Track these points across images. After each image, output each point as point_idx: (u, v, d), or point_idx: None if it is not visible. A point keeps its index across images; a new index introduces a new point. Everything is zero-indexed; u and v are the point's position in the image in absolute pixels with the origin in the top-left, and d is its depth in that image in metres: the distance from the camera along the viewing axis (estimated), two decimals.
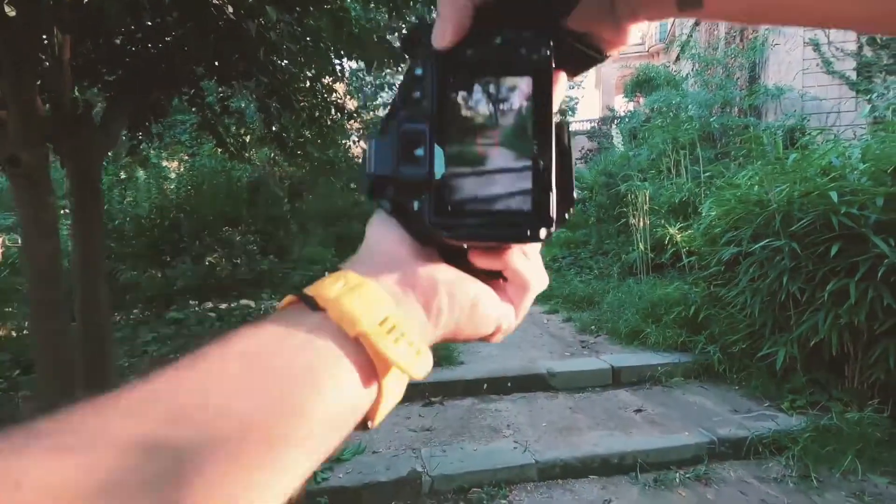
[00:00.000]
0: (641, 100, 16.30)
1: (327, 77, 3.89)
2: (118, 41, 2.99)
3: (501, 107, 0.27)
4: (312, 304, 0.25)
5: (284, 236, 6.68)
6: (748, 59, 10.95)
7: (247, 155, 4.30)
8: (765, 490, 2.42)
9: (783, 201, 3.40)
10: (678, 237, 5.72)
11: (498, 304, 0.31)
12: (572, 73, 0.31)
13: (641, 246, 6.27)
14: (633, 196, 6.42)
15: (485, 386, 3.53)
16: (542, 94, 0.27)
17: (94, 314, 2.54)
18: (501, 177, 0.27)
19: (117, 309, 5.40)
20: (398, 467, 2.44)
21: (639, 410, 3.20)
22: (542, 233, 0.27)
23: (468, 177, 0.27)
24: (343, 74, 4.13)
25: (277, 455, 0.21)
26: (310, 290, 0.26)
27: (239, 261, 5.76)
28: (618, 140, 15.36)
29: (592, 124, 24.77)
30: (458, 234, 0.28)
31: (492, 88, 0.27)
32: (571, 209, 0.28)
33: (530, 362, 3.91)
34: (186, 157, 7.57)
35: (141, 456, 0.18)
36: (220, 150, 4.42)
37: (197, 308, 5.40)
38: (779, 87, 9.85)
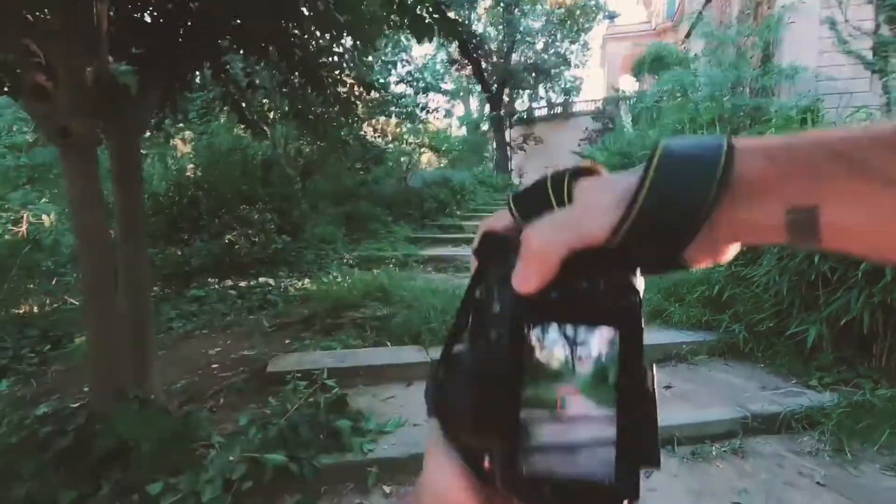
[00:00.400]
0: (650, 79, 16.11)
1: (370, 49, 3.79)
2: (148, 13, 2.94)
3: (582, 354, 0.26)
4: None
5: (298, 215, 6.66)
6: (762, 38, 10.77)
7: (267, 132, 4.26)
8: (800, 463, 2.47)
9: None
10: None
11: None
12: (656, 273, 0.29)
13: None
14: None
15: None
16: (628, 345, 0.25)
17: (137, 287, 2.55)
18: (581, 432, 0.25)
19: None
20: None
21: (668, 387, 3.25)
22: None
23: (544, 429, 0.25)
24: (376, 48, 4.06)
25: None
26: None
27: (257, 239, 5.75)
28: (626, 120, 15.23)
29: (597, 104, 24.50)
30: (534, 501, 0.25)
31: (573, 334, 0.26)
32: (657, 467, 0.25)
33: None
34: (192, 137, 7.53)
35: None
36: (242, 126, 4.38)
37: (217, 286, 5.41)
38: (793, 67, 9.72)
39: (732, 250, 0.27)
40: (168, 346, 4.02)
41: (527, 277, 0.26)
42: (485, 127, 23.64)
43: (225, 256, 5.73)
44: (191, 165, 5.84)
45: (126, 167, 2.50)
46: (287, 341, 3.97)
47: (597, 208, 0.26)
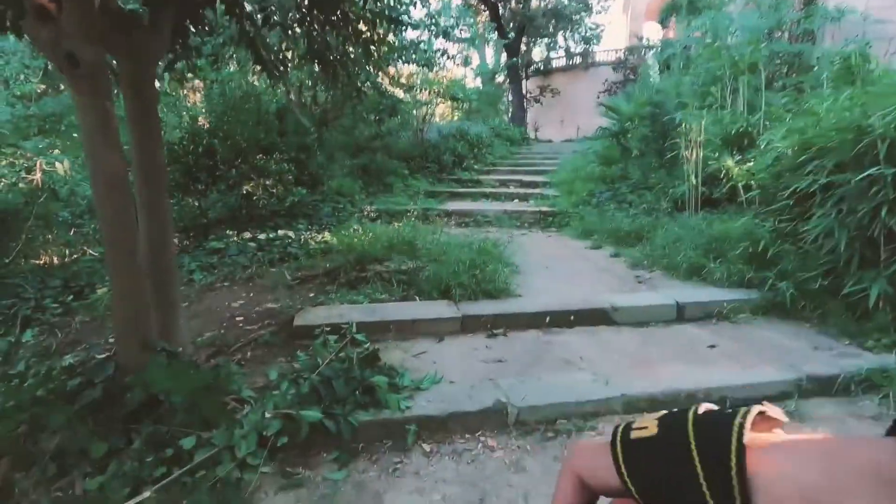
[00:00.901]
0: (676, 26, 15.16)
1: None
2: None
3: None
4: None
5: (315, 167, 6.43)
6: None
7: (285, 74, 3.98)
8: (862, 428, 2.33)
9: (889, 126, 3.08)
10: (735, 170, 5.40)
11: None
12: None
13: (693, 179, 5.96)
14: (686, 126, 6.01)
15: (547, 319, 3.43)
16: None
17: (160, 234, 2.40)
18: None
19: None
20: (481, 397, 2.38)
21: (712, 346, 3.09)
22: None
23: None
24: None
25: None
26: None
27: (275, 190, 5.57)
28: (654, 70, 14.45)
29: (618, 54, 23.31)
30: None
31: None
32: None
33: (590, 295, 3.79)
34: (203, 86, 7.21)
35: None
36: (257, 70, 4.10)
37: (236, 238, 5.29)
38: (839, 9, 9.00)
39: None
40: (191, 299, 3.93)
41: None
42: (500, 78, 22.75)
43: (242, 208, 5.57)
44: (204, 113, 5.57)
45: (142, 104, 2.29)
46: (311, 294, 3.86)
47: None
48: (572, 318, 3.47)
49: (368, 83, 7.63)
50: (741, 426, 0.20)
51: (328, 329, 3.01)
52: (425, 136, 11.92)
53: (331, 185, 7.74)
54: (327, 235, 5.53)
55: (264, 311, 3.56)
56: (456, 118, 15.83)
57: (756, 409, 0.22)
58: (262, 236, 5.34)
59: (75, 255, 4.76)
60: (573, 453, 0.25)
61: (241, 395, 2.36)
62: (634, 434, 0.22)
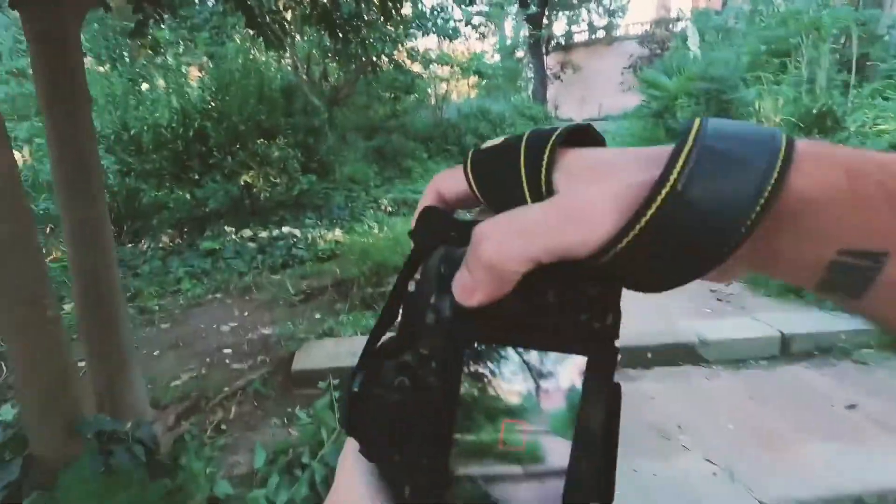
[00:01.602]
0: None
1: None
2: None
3: (537, 385, 0.20)
4: None
5: (326, 151, 5.68)
6: None
7: (287, 41, 3.19)
8: None
9: None
10: None
11: None
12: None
13: None
14: (759, 105, 5.09)
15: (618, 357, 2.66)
16: (598, 377, 0.20)
17: (96, 261, 1.68)
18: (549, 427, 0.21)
19: (142, 235, 4.64)
20: None
21: (851, 406, 2.31)
22: None
23: (481, 467, 0.20)
24: None
25: None
26: None
27: (279, 180, 4.84)
28: (693, 42, 13.22)
29: (644, 27, 21.84)
30: None
31: (529, 361, 0.20)
32: (611, 501, 0.21)
33: (668, 324, 3.00)
34: (201, 61, 6.45)
35: None
36: (252, 33, 3.32)
37: (234, 236, 4.59)
38: None
39: (740, 274, 0.21)
40: (174, 317, 3.25)
41: (471, 290, 0.19)
42: (519, 54, 21.55)
43: (243, 200, 4.86)
44: (199, 90, 4.82)
45: (60, 76, 1.55)
46: (317, 315, 3.14)
47: (586, 210, 0.19)
48: (650, 355, 2.71)
49: (384, 56, 6.79)
50: (559, 132, 0.21)
51: (334, 377, 2.30)
52: (444, 115, 11.06)
53: (343, 171, 6.98)
54: (339, 234, 4.80)
55: (259, 341, 2.85)
56: (473, 95, 14.85)
57: (577, 124, 0.22)
58: (263, 234, 4.63)
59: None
60: (433, 179, 0.24)
61: (216, 491, 1.66)
62: (485, 145, 0.23)
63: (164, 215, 4.76)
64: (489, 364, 0.20)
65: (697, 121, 0.18)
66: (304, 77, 6.31)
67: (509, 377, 0.20)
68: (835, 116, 5.16)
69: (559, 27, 23.29)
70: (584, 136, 0.22)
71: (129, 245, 4.51)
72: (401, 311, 0.23)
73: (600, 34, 23.07)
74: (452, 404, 0.20)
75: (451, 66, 11.56)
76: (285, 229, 4.69)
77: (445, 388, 0.20)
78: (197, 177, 4.57)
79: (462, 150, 9.95)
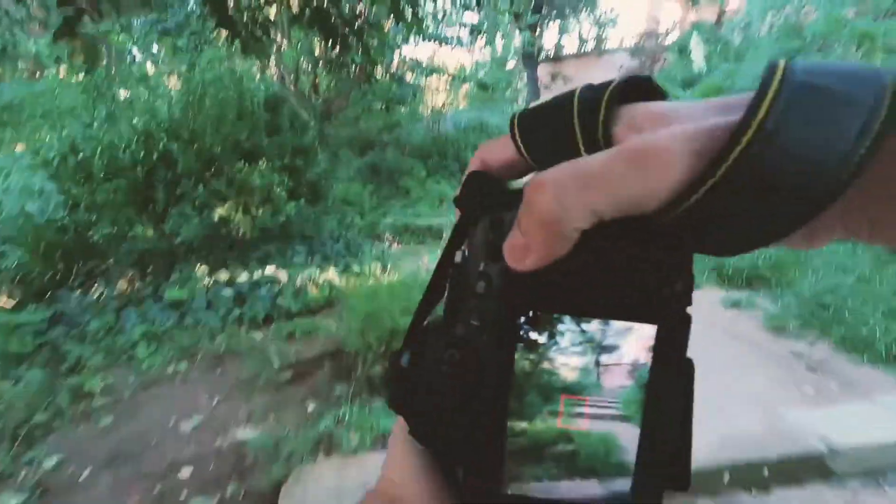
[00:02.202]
0: (712, 6, 13.52)
1: None
2: None
3: (613, 332, 0.19)
4: None
5: (317, 173, 4.93)
6: None
7: (272, 46, 2.47)
8: None
9: None
10: None
11: None
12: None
13: None
14: None
15: (726, 478, 1.96)
16: (669, 347, 0.18)
17: None
18: (623, 412, 0.19)
19: (95, 279, 3.84)
20: None
21: None
22: None
23: (581, 408, 0.19)
24: None
25: None
26: None
27: (260, 211, 4.08)
28: (698, 54, 12.77)
29: (634, 39, 21.57)
30: None
31: (589, 332, 0.18)
32: (686, 489, 0.19)
33: (771, 418, 2.31)
34: (179, 71, 5.66)
35: None
36: (226, 36, 2.60)
37: (208, 279, 3.81)
38: None
39: (829, 238, 0.18)
40: (119, 407, 2.47)
41: (525, 251, 0.17)
42: (510, 64, 21.13)
43: (219, 234, 4.09)
44: (161, 105, 4.03)
45: None
46: (311, 407, 2.38)
47: (655, 161, 0.16)
48: (766, 472, 2.00)
49: (380, 64, 6.09)
50: (617, 82, 0.19)
51: None
52: (441, 128, 10.39)
53: (335, 192, 6.23)
54: (333, 274, 4.05)
55: (230, 453, 2.09)
56: (464, 106, 14.20)
57: (637, 75, 0.20)
58: (243, 277, 3.85)
59: None
60: (478, 149, 0.22)
61: None
62: (531, 105, 0.21)
63: (122, 253, 3.96)
64: (545, 336, 0.19)
65: (783, 61, 0.16)
66: (292, 89, 5.57)
67: (567, 351, 0.19)
68: None
69: (550, 38, 22.95)
70: (644, 90, 0.20)
71: (78, 292, 3.71)
72: (448, 284, 0.22)
73: (590, 46, 22.82)
74: (507, 378, 0.19)
75: (445, 76, 10.92)
76: (269, 270, 3.92)
77: (499, 360, 0.19)
78: (161, 209, 3.80)
79: (463, 167, 9.24)
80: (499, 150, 0.21)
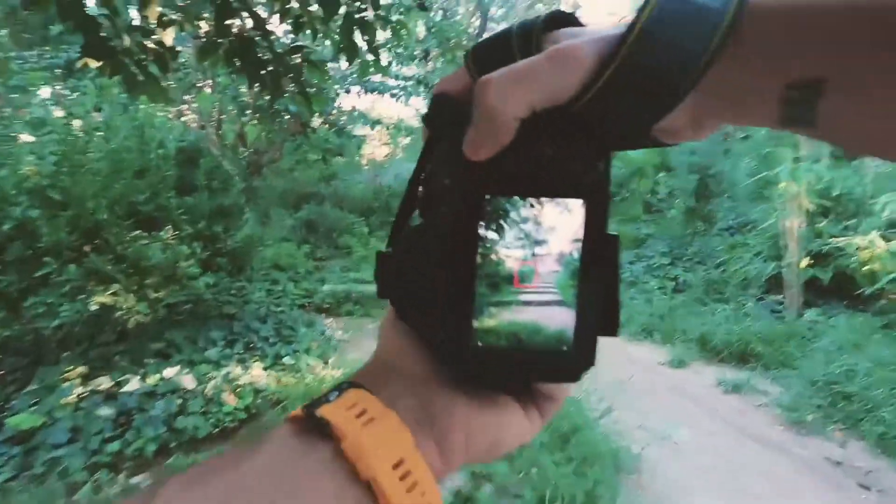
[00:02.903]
0: None
1: None
2: None
3: (543, 229, 0.24)
4: (325, 431, 0.21)
5: (242, 239, 4.08)
6: None
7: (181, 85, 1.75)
8: None
9: None
10: (880, 249, 3.72)
11: (521, 426, 0.26)
12: (620, 149, 0.25)
13: (794, 258, 4.24)
14: (786, 185, 4.32)
15: None
16: (594, 218, 0.23)
17: None
18: (538, 307, 0.24)
19: None
20: None
21: None
22: (583, 373, 0.24)
23: (500, 307, 0.24)
24: None
25: None
26: (324, 411, 0.22)
27: (160, 293, 3.15)
28: None
29: None
30: (487, 377, 0.25)
31: (533, 208, 0.23)
32: (615, 335, 0.25)
33: None
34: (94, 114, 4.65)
35: None
36: (105, 71, 1.85)
37: (79, 390, 2.78)
38: None
39: (712, 126, 0.23)
40: None
41: (480, 141, 0.22)
42: None
43: (102, 326, 3.09)
44: (40, 161, 3.05)
45: None
46: None
47: (569, 58, 0.21)
48: None
49: (320, 114, 5.45)
50: (546, 14, 0.25)
51: None
52: (383, 181, 9.83)
53: (264, 255, 5.35)
54: (259, 371, 3.16)
55: None
56: (401, 156, 13.81)
57: (558, 12, 0.25)
58: (133, 384, 2.87)
59: None
60: (438, 83, 0.27)
61: None
62: (482, 39, 0.28)
63: None
64: (492, 230, 0.23)
65: None
66: (215, 138, 4.75)
67: (511, 245, 0.23)
68: (855, 199, 4.54)
69: None
70: (567, 21, 0.24)
71: None
72: (422, 190, 0.26)
73: None
74: (472, 251, 0.22)
75: (389, 127, 10.49)
76: (170, 372, 2.96)
77: (464, 236, 0.22)
78: (16, 294, 2.79)
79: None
80: (456, 80, 0.25)
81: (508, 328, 0.24)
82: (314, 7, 2.05)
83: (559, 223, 0.23)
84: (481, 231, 0.22)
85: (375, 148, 11.09)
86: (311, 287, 5.57)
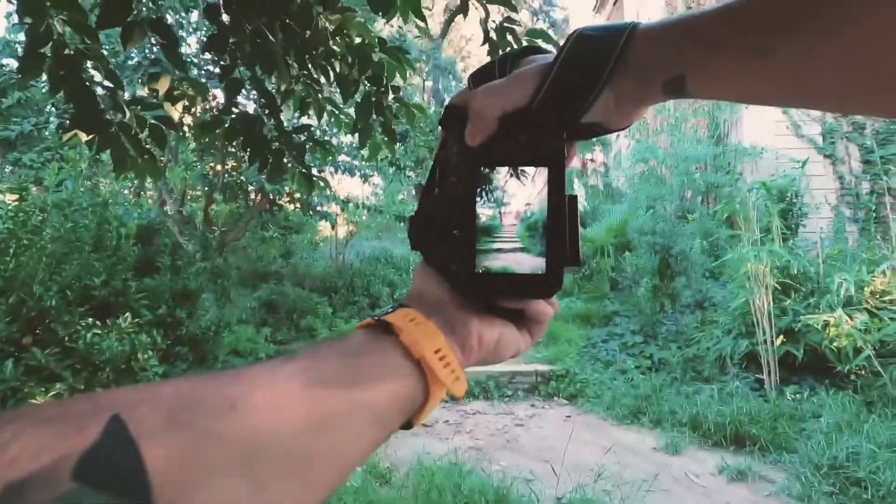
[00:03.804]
0: (599, 154, 15.62)
1: None
2: None
3: (507, 195, 0.36)
4: (388, 329, 0.32)
5: (204, 322, 3.70)
6: (712, 118, 10.45)
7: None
8: None
9: None
10: (847, 328, 3.88)
11: (517, 339, 0.38)
12: (586, 139, 0.38)
13: (765, 335, 4.35)
14: (753, 265, 4.53)
15: None
16: (556, 180, 0.33)
17: None
18: (507, 254, 0.35)
19: None
20: None
21: None
22: (555, 291, 0.34)
23: (495, 244, 0.35)
24: None
25: (359, 420, 0.28)
26: (388, 318, 0.32)
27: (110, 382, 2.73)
28: (580, 194, 14.14)
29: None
30: (487, 293, 0.35)
31: (516, 174, 0.35)
32: (580, 267, 0.36)
33: None
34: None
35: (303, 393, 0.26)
36: (92, 145, 1.68)
37: None
38: (754, 147, 9.20)
39: (638, 114, 0.35)
40: None
41: (473, 132, 0.34)
42: (402, 195, 21.89)
43: None
44: None
45: None
46: None
47: (522, 79, 0.33)
48: None
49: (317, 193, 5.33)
50: (519, 49, 0.40)
51: None
52: (345, 259, 9.61)
53: (223, 340, 4.89)
54: None
55: None
56: (354, 231, 13.69)
57: (529, 47, 0.40)
58: None
59: None
60: (448, 101, 0.40)
61: None
62: (479, 67, 0.40)
63: None
64: (492, 177, 0.34)
65: (578, 28, 0.33)
66: (177, 216, 4.47)
67: (484, 205, 0.34)
68: (809, 278, 4.82)
69: None
70: (536, 51, 0.36)
71: None
72: (438, 170, 0.38)
73: None
74: (473, 204, 0.34)
75: (352, 204, 10.47)
76: None
77: (468, 192, 0.34)
78: None
79: (373, 303, 8.37)
80: (462, 95, 0.37)
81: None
82: (322, 82, 2.00)
83: (517, 192, 0.35)
84: (484, 179, 0.34)
85: (339, 226, 10.95)
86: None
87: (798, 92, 0.27)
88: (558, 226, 0.33)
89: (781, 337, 4.29)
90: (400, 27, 6.00)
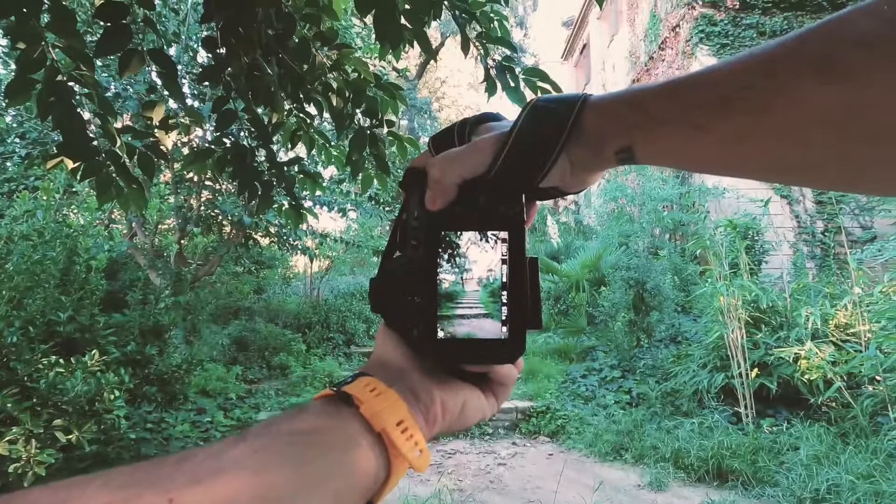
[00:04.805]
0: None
1: None
2: None
3: (469, 262, 0.35)
4: (348, 401, 0.30)
5: (176, 363, 3.52)
6: None
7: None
8: None
9: None
10: (818, 361, 4.00)
11: (482, 405, 0.37)
12: (544, 199, 0.38)
13: (740, 368, 4.44)
14: (725, 299, 4.66)
15: None
16: (516, 242, 0.34)
17: None
18: (471, 320, 0.34)
19: None
20: None
21: None
22: (517, 357, 0.34)
23: (457, 310, 0.34)
24: None
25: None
26: (347, 388, 0.31)
27: (72, 436, 2.53)
28: (553, 230, 14.49)
29: None
30: (449, 359, 0.34)
31: (475, 238, 0.34)
32: (541, 329, 0.38)
33: None
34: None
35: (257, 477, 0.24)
36: (76, 173, 1.63)
37: None
38: (716, 187, 9.66)
39: (593, 178, 0.36)
40: None
41: (433, 198, 0.34)
42: (377, 232, 21.87)
43: None
44: None
45: None
46: None
47: (480, 147, 0.34)
48: None
49: (304, 225, 5.23)
50: (477, 116, 0.41)
51: None
52: (320, 295, 9.43)
53: (192, 381, 4.65)
54: None
55: None
56: (327, 267, 13.51)
57: (486, 114, 0.40)
58: None
59: None
60: (412, 163, 0.40)
61: None
62: (438, 131, 0.40)
63: None
64: (451, 240, 0.34)
65: (534, 98, 0.35)
66: (149, 249, 4.32)
67: (447, 272, 0.34)
68: (777, 311, 4.98)
69: None
70: (492, 118, 0.37)
71: None
72: (398, 233, 0.38)
73: None
74: (434, 268, 0.33)
75: (328, 239, 10.38)
76: None
77: (429, 258, 0.34)
78: None
79: (349, 339, 8.19)
80: (422, 159, 0.37)
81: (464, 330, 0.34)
82: (314, 114, 2.01)
83: (478, 258, 0.35)
84: (443, 243, 0.34)
85: (314, 260, 10.78)
86: (243, 416, 4.86)
87: (737, 163, 0.29)
88: (520, 290, 0.33)
89: (755, 370, 4.38)
90: (382, 67, 6.15)
